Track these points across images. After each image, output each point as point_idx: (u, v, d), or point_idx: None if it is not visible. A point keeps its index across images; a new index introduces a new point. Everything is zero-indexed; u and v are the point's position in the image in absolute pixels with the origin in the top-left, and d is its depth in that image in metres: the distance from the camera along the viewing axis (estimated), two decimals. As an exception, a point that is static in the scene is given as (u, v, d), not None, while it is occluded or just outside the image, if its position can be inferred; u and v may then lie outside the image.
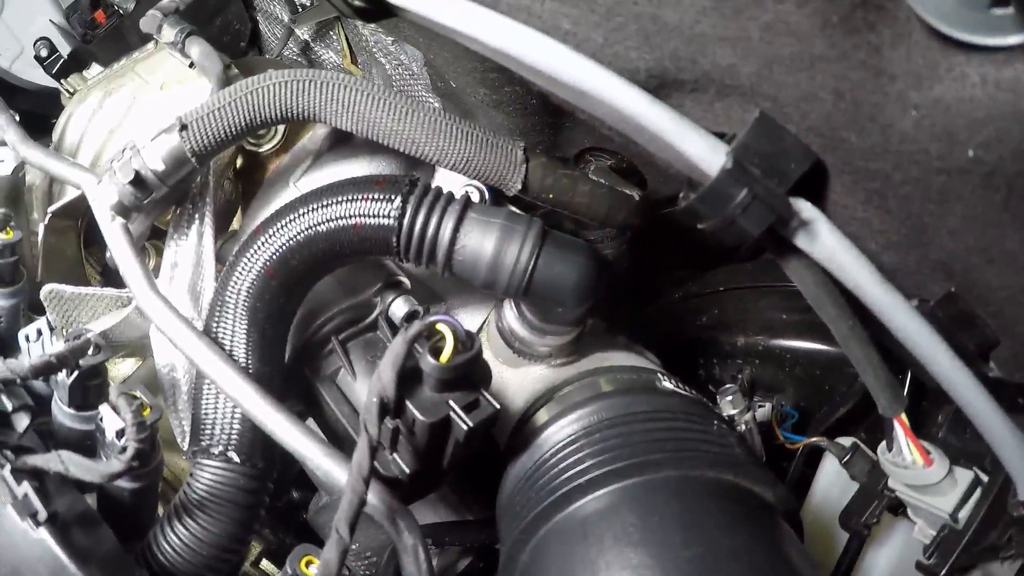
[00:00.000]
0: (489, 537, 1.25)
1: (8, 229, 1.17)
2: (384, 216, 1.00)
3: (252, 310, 1.01)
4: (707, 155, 0.82)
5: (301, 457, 0.93)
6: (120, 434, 0.89)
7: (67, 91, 1.58)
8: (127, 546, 0.90)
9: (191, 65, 1.35)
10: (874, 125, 0.78)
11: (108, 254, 1.10)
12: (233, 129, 1.05)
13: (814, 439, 1.32)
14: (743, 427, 1.34)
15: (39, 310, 1.20)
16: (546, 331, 1.14)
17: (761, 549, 0.90)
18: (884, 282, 0.86)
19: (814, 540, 1.22)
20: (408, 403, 0.90)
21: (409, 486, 0.98)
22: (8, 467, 0.84)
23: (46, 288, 1.18)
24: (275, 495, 1.37)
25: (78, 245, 1.42)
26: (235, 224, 1.47)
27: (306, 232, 1.00)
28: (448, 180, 1.16)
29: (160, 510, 1.05)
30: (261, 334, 1.02)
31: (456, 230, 1.01)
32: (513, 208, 1.12)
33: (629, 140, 0.93)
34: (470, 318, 1.27)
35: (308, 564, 0.91)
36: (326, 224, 1.00)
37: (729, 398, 1.35)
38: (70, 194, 1.31)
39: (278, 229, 1.01)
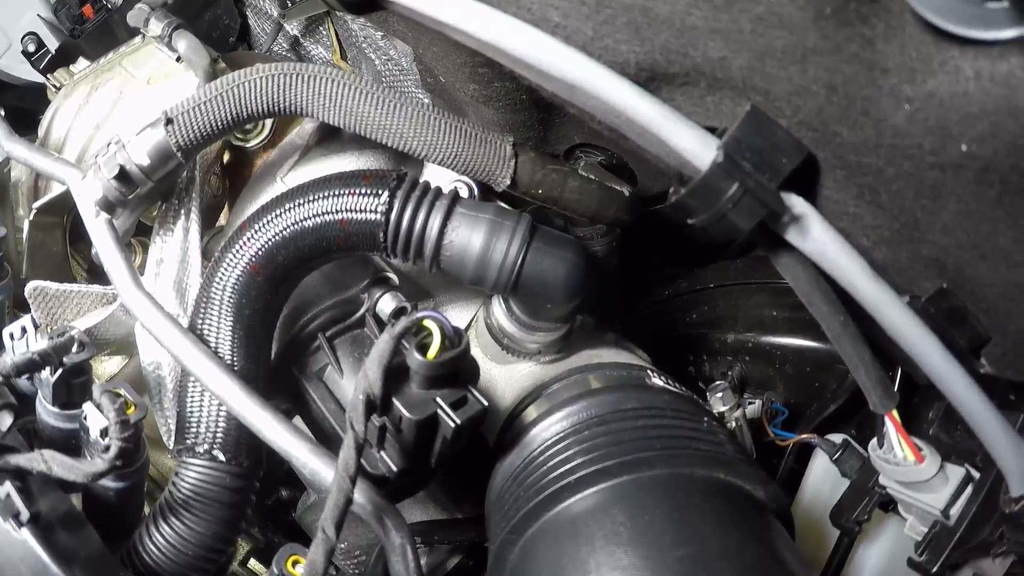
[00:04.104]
0: (478, 535, 1.25)
1: (-8, 225, 1.16)
2: (371, 211, 0.99)
3: (238, 307, 1.00)
4: (698, 149, 0.82)
5: (287, 455, 0.93)
6: (104, 433, 0.88)
7: (54, 86, 1.57)
8: (112, 546, 0.89)
9: (178, 59, 1.34)
10: (867, 119, 0.78)
11: (94, 250, 1.09)
12: (219, 123, 1.04)
13: (804, 436, 1.32)
14: (733, 424, 1.33)
15: (24, 307, 1.19)
16: (535, 328, 1.13)
17: (752, 548, 0.89)
18: (876, 278, 0.86)
19: (805, 537, 1.22)
20: (395, 400, 0.90)
21: (396, 484, 0.97)
22: (-10, 467, 0.83)
23: (31, 285, 1.17)
24: (263, 493, 1.37)
25: (64, 241, 1.41)
26: (222, 220, 1.46)
27: (292, 227, 0.99)
28: (437, 175, 1.15)
29: (147, 509, 1.04)
30: (247, 331, 1.01)
31: (444, 225, 1.00)
32: (502, 204, 1.12)
33: (619, 135, 0.93)
34: (458, 315, 1.26)
35: (295, 564, 0.91)
36: (313, 219, 0.99)
37: (719, 395, 1.35)
38: (55, 190, 1.30)
39: (264, 224, 1.00)
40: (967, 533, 1.00)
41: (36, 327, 0.98)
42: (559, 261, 1.02)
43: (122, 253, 1.05)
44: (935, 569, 1.01)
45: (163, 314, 0.99)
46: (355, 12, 1.09)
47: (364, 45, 1.66)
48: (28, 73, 1.65)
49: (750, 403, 1.38)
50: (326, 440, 1.08)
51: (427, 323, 0.89)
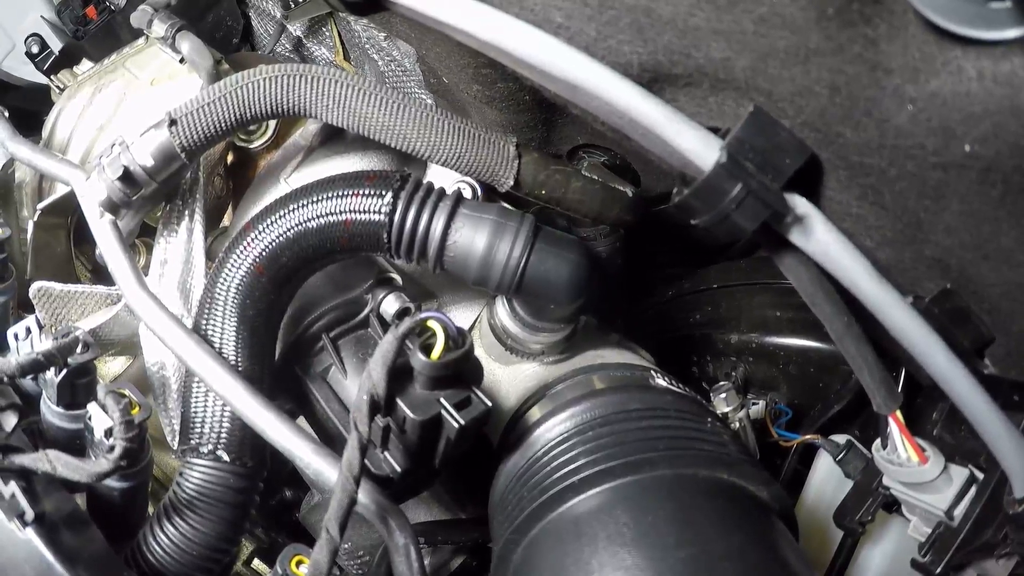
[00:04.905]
0: (482, 536, 1.25)
1: (-3, 226, 1.16)
2: (375, 212, 0.99)
3: (242, 307, 1.00)
4: (701, 150, 0.82)
5: (291, 456, 0.92)
6: (108, 433, 0.88)
7: (57, 87, 1.57)
8: (117, 546, 0.89)
9: (181, 60, 1.34)
10: (870, 120, 0.78)
11: (98, 251, 1.09)
12: (223, 124, 1.04)
13: (808, 437, 1.32)
14: (737, 425, 1.33)
15: (28, 308, 1.19)
16: (538, 328, 1.13)
17: (755, 549, 0.89)
18: (879, 278, 0.86)
19: (808, 538, 1.22)
20: (399, 401, 0.90)
21: (400, 485, 0.97)
22: (-5, 467, 0.83)
23: (35, 286, 1.18)
24: (267, 494, 1.37)
25: (68, 242, 1.41)
26: (226, 221, 1.46)
27: (296, 228, 1.00)
28: (440, 176, 1.15)
29: (151, 509, 1.04)
30: (251, 331, 1.01)
31: (447, 226, 1.00)
32: (505, 204, 1.12)
33: (622, 136, 0.93)
34: (462, 315, 1.26)
35: (299, 564, 0.91)
36: (316, 220, 0.99)
37: (723, 395, 1.35)
38: (59, 191, 1.30)
39: (268, 225, 1.00)
40: (971, 534, 1.00)
41: (40, 328, 0.98)
42: (562, 262, 1.02)
43: (126, 254, 1.05)
44: (939, 570, 1.01)
45: (167, 315, 0.99)
46: (358, 13, 1.10)
47: (367, 46, 1.66)
48: (32, 74, 1.65)
49: (754, 404, 1.38)
50: (330, 441, 1.08)
51: (431, 324, 0.89)
